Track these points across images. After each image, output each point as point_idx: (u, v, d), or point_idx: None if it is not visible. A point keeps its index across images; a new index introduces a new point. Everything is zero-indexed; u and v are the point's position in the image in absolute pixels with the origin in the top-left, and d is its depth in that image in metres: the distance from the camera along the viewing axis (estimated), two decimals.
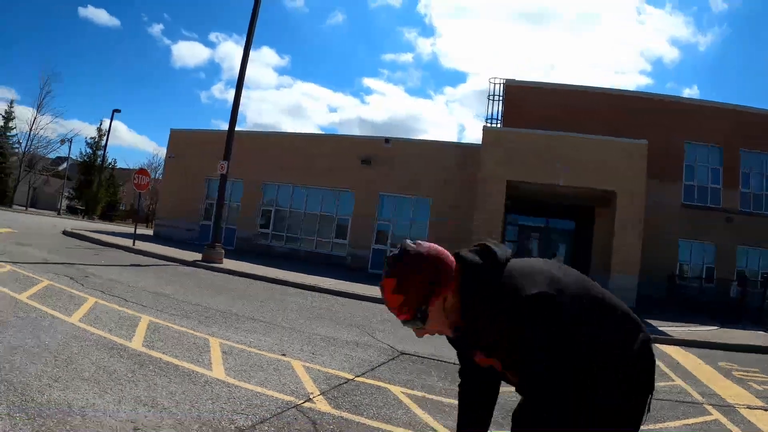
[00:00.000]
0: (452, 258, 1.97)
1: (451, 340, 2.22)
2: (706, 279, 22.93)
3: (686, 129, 24.14)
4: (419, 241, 1.98)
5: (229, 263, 16.22)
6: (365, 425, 4.14)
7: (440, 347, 8.22)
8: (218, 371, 4.94)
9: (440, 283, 1.91)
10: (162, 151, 62.34)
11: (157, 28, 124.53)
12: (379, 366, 6.18)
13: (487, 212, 19.26)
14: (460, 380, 2.43)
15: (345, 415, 4.31)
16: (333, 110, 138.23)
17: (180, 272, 13.35)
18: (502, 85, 25.75)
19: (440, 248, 1.97)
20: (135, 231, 20.03)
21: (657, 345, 12.50)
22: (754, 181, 24.76)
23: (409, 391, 5.25)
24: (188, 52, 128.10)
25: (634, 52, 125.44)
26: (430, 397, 5.19)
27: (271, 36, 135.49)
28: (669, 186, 23.66)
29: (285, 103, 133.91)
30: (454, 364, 6.78)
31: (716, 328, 14.02)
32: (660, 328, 12.80)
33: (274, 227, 25.59)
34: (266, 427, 3.73)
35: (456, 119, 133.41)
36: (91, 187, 54.69)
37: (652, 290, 20.48)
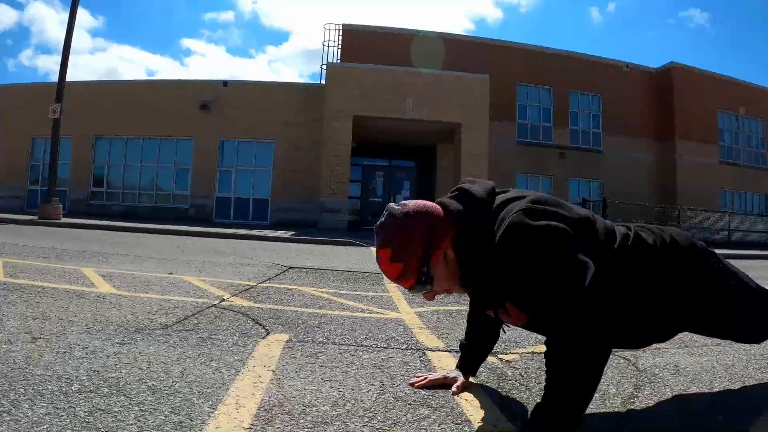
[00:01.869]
0: (440, 209, 1.77)
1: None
2: None
3: (518, 72, 25.47)
4: (403, 201, 1.78)
5: (69, 220, 14.36)
6: (299, 311, 3.71)
7: (328, 260, 8.05)
8: (107, 288, 4.18)
9: (436, 239, 1.71)
10: None
11: None
12: (275, 276, 5.73)
13: (334, 150, 18.83)
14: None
15: (272, 306, 3.85)
16: (151, 74, 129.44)
17: (18, 231, 11.60)
18: (338, 30, 25.12)
19: (426, 202, 1.79)
20: None
21: None
22: (581, 119, 27.03)
23: (320, 290, 4.89)
24: None
25: (460, 13, 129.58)
26: (344, 293, 4.87)
27: None
28: (505, 125, 24.86)
29: (99, 67, 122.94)
30: (348, 271, 6.63)
31: None
32: None
33: (108, 185, 23.03)
34: (195, 321, 3.14)
35: (280, 79, 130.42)
36: None
37: None
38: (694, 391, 2.21)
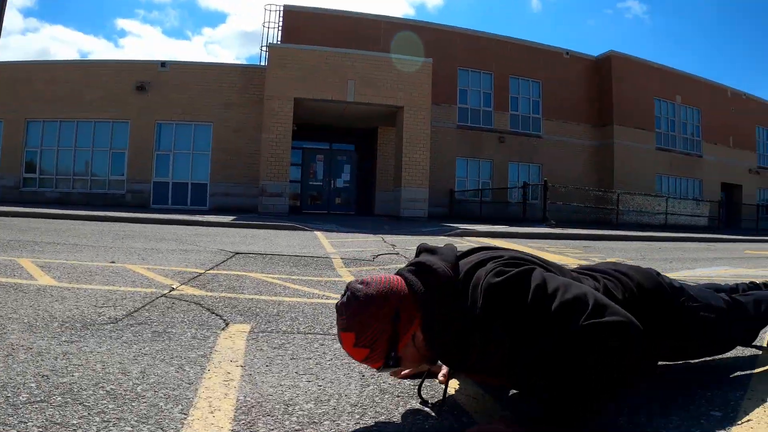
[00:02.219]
0: (405, 287, 1.57)
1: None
2: (484, 193, 24.55)
3: (459, 56, 25.42)
4: (364, 279, 1.58)
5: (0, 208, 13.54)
6: (255, 299, 3.49)
7: (273, 245, 7.79)
8: (46, 280, 3.84)
9: (403, 325, 1.53)
10: None
11: None
12: (222, 262, 5.45)
13: (274, 133, 18.31)
14: None
15: (225, 294, 3.61)
16: (84, 55, 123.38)
17: None
18: (279, 11, 24.30)
19: (391, 279, 1.58)
20: None
21: (467, 237, 13.15)
22: (521, 104, 27.21)
23: (271, 276, 4.67)
24: None
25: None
26: (295, 278, 4.66)
27: None
28: (445, 109, 24.86)
29: (31, 49, 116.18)
30: (296, 256, 6.41)
31: (508, 226, 15.05)
32: (466, 227, 13.88)
33: (41, 171, 21.64)
34: (146, 313, 2.89)
35: (217, 61, 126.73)
36: None
37: (435, 208, 21.65)
38: (672, 366, 2.15)
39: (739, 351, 2.46)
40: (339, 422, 1.52)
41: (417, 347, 1.57)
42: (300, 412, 1.57)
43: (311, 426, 1.48)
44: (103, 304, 3.07)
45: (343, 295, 1.55)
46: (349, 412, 1.60)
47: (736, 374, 2.16)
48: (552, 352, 1.41)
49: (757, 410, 1.76)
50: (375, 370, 1.59)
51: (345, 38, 22.15)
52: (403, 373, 1.96)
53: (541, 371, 1.46)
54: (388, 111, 19.82)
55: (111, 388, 1.68)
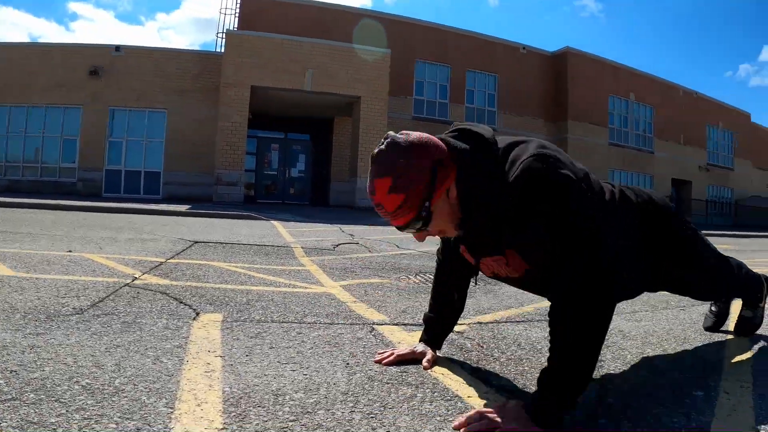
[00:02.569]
0: (443, 144, 1.55)
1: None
2: None
3: (417, 48, 25.29)
4: (404, 131, 1.56)
5: None
6: (221, 288, 3.37)
7: (232, 235, 7.60)
8: (2, 270, 3.61)
9: (441, 174, 1.49)
10: None
11: None
12: (183, 251, 5.28)
13: (230, 121, 17.92)
14: (438, 264, 2.09)
15: (190, 283, 3.47)
16: (35, 39, 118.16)
17: None
18: None
19: (429, 135, 1.57)
20: None
21: None
22: (477, 97, 27.25)
23: (234, 265, 4.54)
24: None
25: None
26: (258, 267, 4.54)
27: None
28: (401, 100, 24.65)
29: None
30: (256, 245, 6.27)
31: None
32: None
33: None
34: (112, 303, 2.74)
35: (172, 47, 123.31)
36: None
37: None
38: (650, 353, 2.17)
39: (712, 337, 2.56)
40: (334, 411, 1.45)
41: (450, 204, 1.53)
42: (291, 402, 1.49)
43: (306, 416, 1.40)
44: (66, 294, 2.90)
45: (380, 144, 1.50)
46: (341, 401, 1.53)
47: (711, 358, 2.23)
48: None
49: (734, 387, 1.82)
50: (399, 228, 1.54)
51: (303, 27, 21.66)
52: (387, 360, 1.90)
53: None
54: (345, 101, 19.64)
55: (87, 383, 1.55)
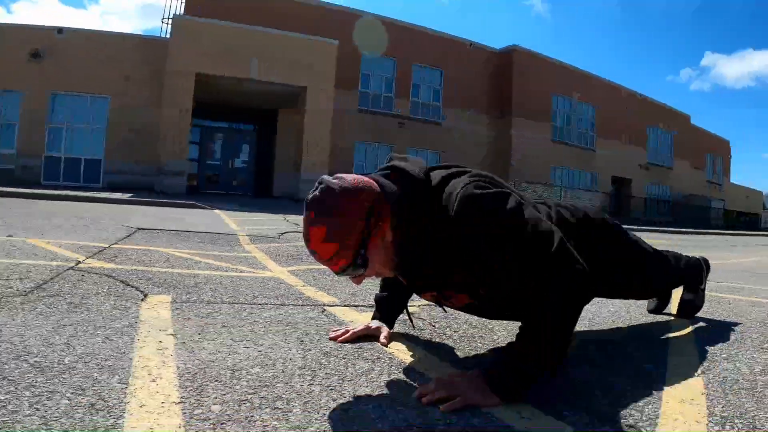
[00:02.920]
0: (377, 186, 1.48)
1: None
2: None
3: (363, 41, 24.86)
4: (339, 175, 1.49)
5: None
6: (168, 272, 3.28)
7: (176, 223, 7.41)
8: None
9: (376, 220, 1.44)
10: None
11: None
12: (126, 237, 5.10)
13: (175, 108, 17.33)
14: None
15: (136, 267, 3.37)
16: None
17: None
18: None
19: (363, 177, 1.50)
20: None
21: None
22: (423, 92, 27.19)
23: (180, 251, 4.43)
24: None
25: None
26: (204, 253, 4.44)
27: None
28: (347, 92, 24.26)
29: None
30: (201, 233, 6.14)
31: None
32: None
33: None
34: (57, 285, 2.63)
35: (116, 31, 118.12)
36: None
37: None
38: (601, 334, 2.27)
39: (656, 318, 2.70)
40: (292, 384, 1.43)
41: (386, 249, 1.49)
42: (249, 377, 1.47)
43: (264, 389, 1.38)
44: (8, 276, 2.76)
45: (314, 190, 1.45)
46: (299, 375, 1.51)
47: (657, 336, 2.35)
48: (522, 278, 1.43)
49: (681, 360, 1.93)
50: (335, 273, 1.48)
51: (252, 15, 20.94)
52: (342, 338, 1.90)
53: (519, 295, 1.47)
54: (291, 92, 19.30)
55: (36, 361, 1.48)
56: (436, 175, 1.58)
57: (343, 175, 1.49)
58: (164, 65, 17.78)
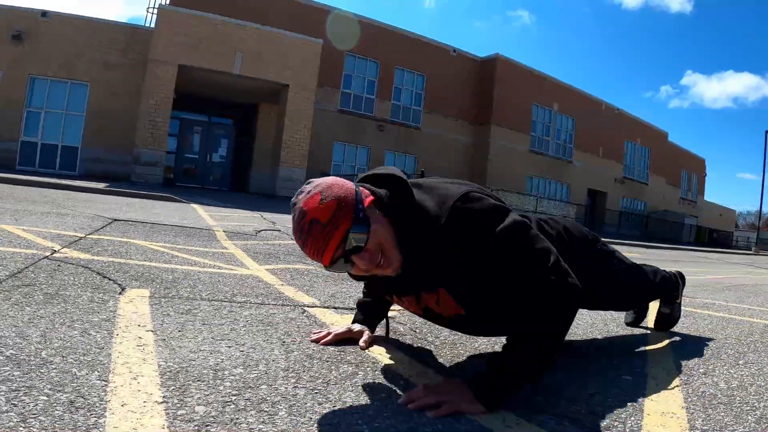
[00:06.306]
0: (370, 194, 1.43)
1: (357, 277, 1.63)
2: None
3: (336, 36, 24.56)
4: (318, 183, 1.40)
5: None
6: (146, 265, 3.20)
7: (151, 215, 7.25)
8: None
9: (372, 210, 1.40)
10: None
11: None
12: (102, 228, 4.97)
13: (155, 99, 17.01)
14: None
15: (112, 259, 3.27)
16: None
17: None
18: None
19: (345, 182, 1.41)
20: None
21: None
22: (404, 95, 27.04)
23: (156, 244, 4.33)
24: None
25: None
26: (181, 247, 4.35)
27: None
28: (328, 92, 24.07)
29: None
30: (177, 226, 6.02)
31: None
32: None
33: None
34: (32, 275, 2.53)
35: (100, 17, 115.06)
36: None
37: None
38: (577, 345, 2.27)
39: (633, 331, 2.72)
40: (276, 386, 1.39)
41: (385, 229, 1.41)
42: (232, 377, 1.42)
43: (248, 390, 1.34)
44: None
45: (307, 185, 1.40)
46: (283, 376, 1.47)
47: (635, 349, 2.37)
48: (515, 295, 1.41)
49: (659, 373, 1.93)
50: (326, 267, 1.39)
51: (238, 9, 20.61)
52: (324, 340, 1.86)
53: (509, 310, 1.44)
54: (272, 88, 19.07)
55: (11, 353, 1.41)
56: (424, 181, 1.55)
57: (331, 182, 1.41)
58: (147, 54, 17.42)
